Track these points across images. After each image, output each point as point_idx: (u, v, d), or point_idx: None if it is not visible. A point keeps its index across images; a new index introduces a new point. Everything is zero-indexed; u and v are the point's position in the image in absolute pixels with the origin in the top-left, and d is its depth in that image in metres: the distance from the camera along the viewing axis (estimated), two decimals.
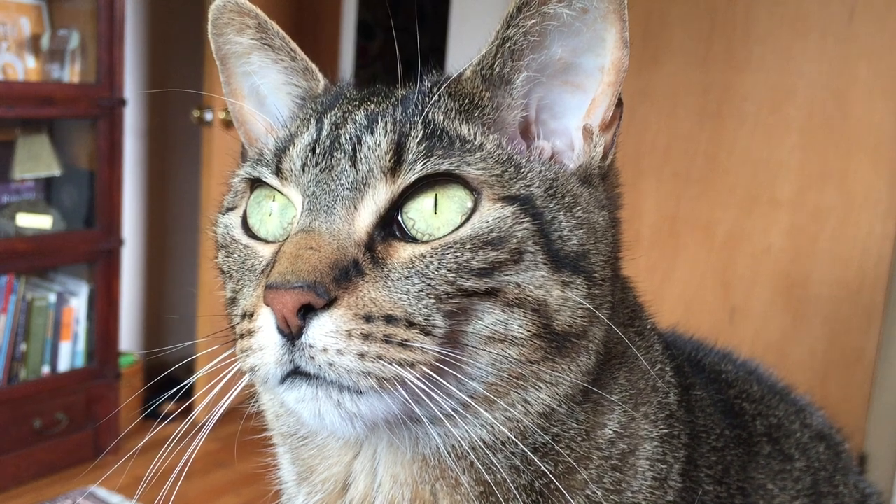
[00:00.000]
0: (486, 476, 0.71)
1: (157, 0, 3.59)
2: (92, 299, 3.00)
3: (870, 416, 2.63)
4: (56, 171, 3.02)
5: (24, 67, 2.91)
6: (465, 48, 3.21)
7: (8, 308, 2.81)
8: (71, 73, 2.93)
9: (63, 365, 2.98)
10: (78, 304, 2.98)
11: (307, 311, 0.62)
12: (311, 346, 0.62)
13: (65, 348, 2.98)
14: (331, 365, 0.62)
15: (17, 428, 2.77)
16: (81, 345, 3.01)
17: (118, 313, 3.07)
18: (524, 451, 0.70)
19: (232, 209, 0.80)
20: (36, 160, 2.98)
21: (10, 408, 2.77)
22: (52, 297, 2.94)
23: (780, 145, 2.71)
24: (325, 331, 0.62)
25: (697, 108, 2.85)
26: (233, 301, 0.74)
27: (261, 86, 0.85)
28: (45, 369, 2.94)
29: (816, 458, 0.94)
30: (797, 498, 0.87)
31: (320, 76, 0.83)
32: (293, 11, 3.52)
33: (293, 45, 0.82)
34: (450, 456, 0.70)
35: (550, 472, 0.71)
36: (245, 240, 0.75)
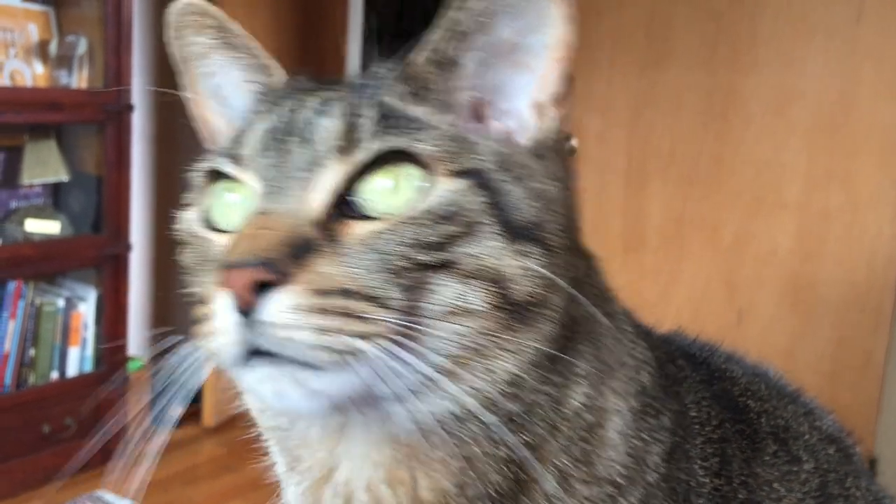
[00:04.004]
0: (461, 450, 0.71)
1: (164, 6, 3.59)
2: (100, 304, 3.01)
3: (879, 419, 2.62)
4: (64, 177, 3.03)
5: (33, 73, 2.92)
6: None
7: (17, 313, 2.82)
8: (79, 79, 2.94)
9: (71, 370, 2.99)
10: (86, 310, 2.99)
11: (263, 289, 0.62)
12: (268, 324, 0.62)
13: (73, 353, 2.99)
14: (289, 340, 0.62)
15: (25, 433, 2.78)
16: (90, 350, 3.02)
17: (126, 318, 3.08)
18: (501, 419, 0.71)
19: (192, 205, 0.80)
20: (44, 166, 2.99)
21: (19, 413, 2.78)
22: (61, 303, 2.95)
23: (786, 147, 2.71)
24: (281, 307, 0.62)
25: (702, 111, 2.84)
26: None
27: (223, 85, 0.85)
28: (54, 374, 2.95)
29: (826, 461, 0.94)
30: (804, 500, 0.87)
31: (278, 71, 0.84)
32: (299, 17, 3.53)
33: (253, 42, 0.83)
34: (420, 433, 0.70)
35: (526, 443, 0.72)
36: (205, 233, 0.76)
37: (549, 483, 0.73)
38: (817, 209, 2.67)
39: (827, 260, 2.68)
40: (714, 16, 2.79)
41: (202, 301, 0.68)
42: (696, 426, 0.83)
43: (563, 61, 0.75)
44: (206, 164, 0.78)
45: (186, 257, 0.77)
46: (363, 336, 0.62)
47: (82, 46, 2.92)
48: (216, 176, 0.76)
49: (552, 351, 0.72)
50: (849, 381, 2.68)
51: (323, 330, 0.62)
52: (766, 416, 0.92)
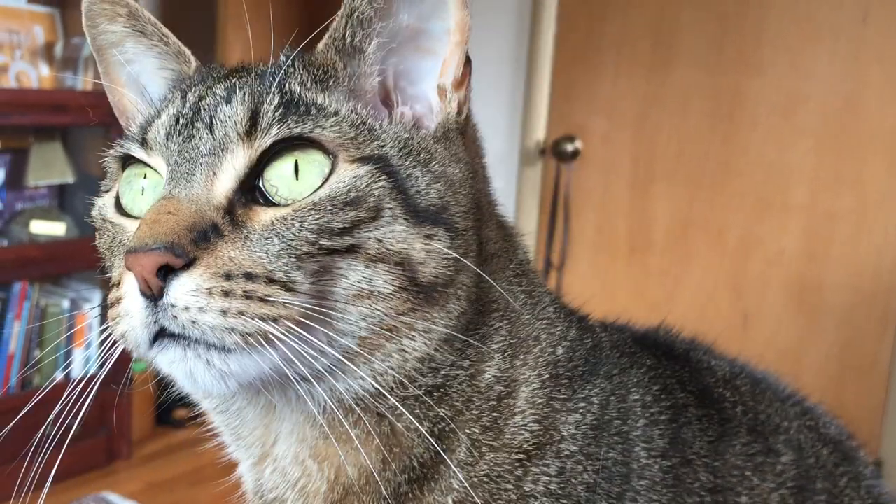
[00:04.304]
0: (383, 426, 0.74)
1: (168, 8, 3.61)
2: (105, 306, 3.00)
3: (885, 421, 2.61)
4: (69, 178, 3.04)
5: (38, 75, 2.93)
6: (473, 44, 3.20)
7: (22, 314, 2.82)
8: (84, 81, 2.94)
9: (76, 371, 2.99)
10: (91, 311, 3.00)
11: (168, 273, 0.63)
12: (173, 306, 0.63)
13: (78, 355, 2.99)
14: (193, 323, 0.63)
15: (31, 434, 2.78)
16: (94, 351, 3.02)
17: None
18: (417, 395, 0.73)
19: (107, 192, 0.82)
20: (49, 167, 3.00)
21: (24, 414, 2.78)
22: (66, 304, 2.96)
23: (792, 149, 2.70)
24: (185, 290, 0.63)
25: (709, 113, 2.84)
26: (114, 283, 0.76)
27: (139, 74, 0.87)
28: (59, 375, 2.95)
29: (814, 458, 0.93)
30: (778, 489, 0.87)
31: (193, 59, 0.85)
32: (299, 3, 3.52)
33: (165, 30, 0.85)
34: (339, 411, 0.72)
35: (446, 415, 0.74)
36: (116, 218, 0.78)
37: (461, 450, 0.75)
38: (824, 211, 2.66)
39: (833, 262, 2.67)
40: (720, 18, 2.78)
41: (113, 285, 0.70)
42: (639, 408, 0.83)
43: (461, 45, 0.76)
44: (118, 150, 0.79)
45: (101, 243, 0.80)
46: (268, 318, 0.64)
47: (88, 48, 2.92)
48: (127, 161, 0.78)
49: (460, 331, 0.74)
50: (854, 383, 2.67)
51: (227, 312, 0.63)
52: (742, 407, 0.92)
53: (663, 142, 2.95)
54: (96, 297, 3.01)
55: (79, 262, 2.97)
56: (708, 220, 2.89)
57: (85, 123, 2.98)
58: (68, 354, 2.97)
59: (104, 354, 0.72)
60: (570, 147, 3.10)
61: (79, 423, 0.77)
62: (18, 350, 2.82)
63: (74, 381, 0.75)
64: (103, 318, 0.73)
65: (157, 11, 3.57)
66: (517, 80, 3.21)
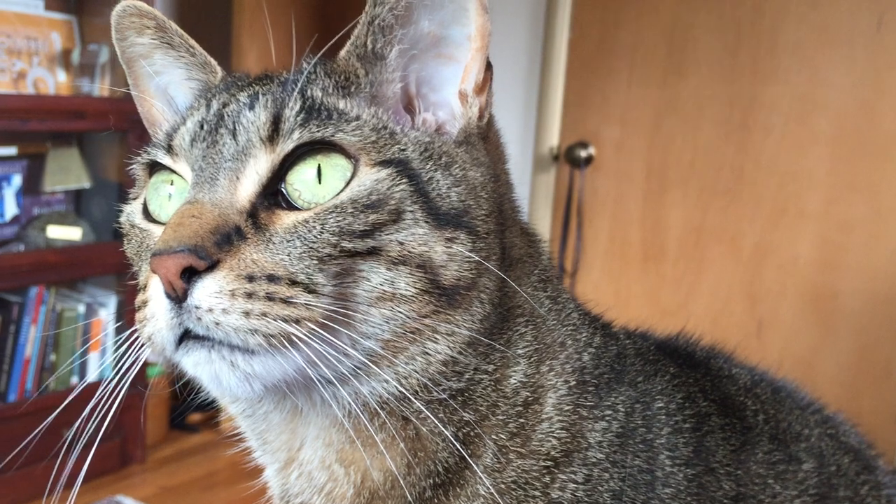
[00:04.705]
0: (408, 430, 0.74)
1: (185, 14, 3.63)
2: (120, 311, 3.03)
3: None
4: (86, 184, 3.06)
5: (55, 82, 2.95)
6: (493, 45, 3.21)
7: (38, 319, 2.84)
8: (101, 88, 2.97)
9: (92, 375, 3.01)
10: (106, 315, 3.01)
11: (192, 275, 0.64)
12: (197, 308, 0.64)
13: (93, 359, 3.01)
14: (217, 324, 0.64)
15: (46, 438, 2.80)
16: (109, 355, 3.04)
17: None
18: (441, 398, 0.73)
19: (135, 199, 0.83)
20: (66, 173, 3.02)
21: (39, 418, 2.79)
22: (82, 308, 2.98)
23: (807, 156, 2.69)
24: (209, 291, 0.64)
25: (723, 120, 2.83)
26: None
27: (167, 85, 0.89)
28: (74, 380, 2.97)
29: (835, 466, 0.93)
30: (800, 497, 0.86)
31: (218, 69, 0.87)
32: (318, 10, 3.54)
33: (192, 41, 0.86)
34: (362, 415, 0.72)
35: (471, 420, 0.74)
36: (144, 224, 0.79)
37: (488, 456, 0.75)
38: (839, 219, 2.65)
39: (849, 270, 2.66)
40: (735, 25, 2.77)
41: (140, 289, 0.71)
42: (663, 416, 0.83)
43: (482, 51, 0.77)
44: (144, 157, 0.81)
45: (129, 248, 0.81)
46: (291, 319, 0.64)
47: (104, 55, 2.95)
48: (154, 168, 0.79)
49: (484, 335, 0.74)
50: (870, 391, 2.65)
51: (250, 314, 0.64)
52: (763, 415, 0.92)
53: (677, 148, 2.94)
54: (112, 302, 3.03)
55: (94, 267, 2.99)
56: (722, 227, 2.88)
57: (101, 129, 3.00)
58: (83, 358, 2.99)
59: (131, 357, 0.73)
60: (583, 153, 3.10)
61: (106, 426, 0.79)
62: (34, 354, 2.84)
63: (105, 382, 0.76)
64: (128, 322, 0.74)
65: (172, 20, 3.59)
66: (531, 86, 3.21)
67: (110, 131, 3.01)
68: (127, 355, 0.73)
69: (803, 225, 2.71)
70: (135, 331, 0.71)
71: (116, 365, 0.75)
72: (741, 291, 2.86)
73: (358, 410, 0.72)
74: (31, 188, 2.98)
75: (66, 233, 2.98)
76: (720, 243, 2.89)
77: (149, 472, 3.03)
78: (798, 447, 0.92)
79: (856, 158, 2.61)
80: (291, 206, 0.70)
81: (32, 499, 2.71)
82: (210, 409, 3.29)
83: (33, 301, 2.82)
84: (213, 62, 0.87)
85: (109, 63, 2.96)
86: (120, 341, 0.75)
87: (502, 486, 0.75)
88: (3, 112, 2.66)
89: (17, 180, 2.91)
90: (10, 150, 2.88)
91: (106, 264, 2.99)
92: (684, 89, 2.89)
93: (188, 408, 3.28)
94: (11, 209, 2.91)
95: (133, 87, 0.90)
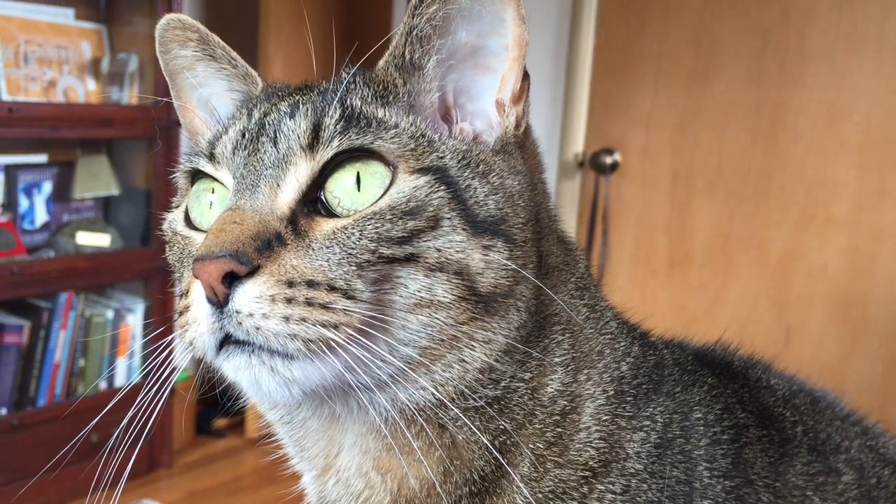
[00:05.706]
0: (444, 437, 0.74)
1: (212, 23, 3.67)
2: (148, 316, 3.06)
3: None
4: (114, 191, 3.10)
5: (85, 90, 2.99)
6: None
7: (67, 324, 2.88)
8: (130, 95, 3.00)
9: (119, 380, 3.04)
10: (134, 321, 3.05)
11: (233, 280, 0.65)
12: (237, 312, 0.65)
13: (121, 364, 3.04)
14: (258, 329, 0.65)
15: (71, 441, 2.82)
16: (137, 360, 3.07)
17: (172, 330, 3.11)
18: (478, 406, 0.73)
19: (177, 207, 0.85)
20: (95, 180, 3.06)
21: (68, 422, 2.83)
22: (110, 314, 3.01)
23: (836, 163, 2.66)
24: (249, 296, 0.65)
25: (750, 126, 2.81)
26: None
27: (210, 96, 0.90)
28: (102, 384, 3.01)
29: (875, 478, 0.92)
30: None
31: (259, 80, 0.88)
32: (343, 19, 3.56)
33: (233, 53, 0.88)
34: (399, 421, 0.73)
35: (508, 428, 0.74)
36: (185, 231, 0.81)
37: (525, 465, 0.75)
38: (868, 226, 2.62)
39: (878, 277, 2.63)
40: (762, 30, 2.75)
41: (181, 294, 0.72)
42: (701, 427, 0.83)
43: (519, 60, 0.77)
44: (186, 166, 0.82)
45: (171, 255, 0.83)
46: (329, 325, 0.65)
47: (133, 63, 2.99)
48: (196, 176, 0.80)
49: (521, 342, 0.74)
50: None
51: (290, 319, 0.64)
52: (802, 427, 0.91)
53: (703, 154, 2.92)
54: (139, 307, 3.06)
55: (123, 273, 3.02)
56: (749, 233, 2.85)
57: (130, 137, 3.04)
58: (111, 363, 3.02)
59: (169, 363, 0.74)
60: (608, 160, 3.09)
61: (147, 432, 0.80)
62: (64, 360, 2.88)
63: (145, 388, 0.78)
64: (145, 328, 0.76)
65: None
66: (556, 92, 3.21)
67: (138, 139, 3.04)
68: (165, 361, 0.74)
69: (832, 232, 2.69)
70: (173, 338, 0.73)
71: (146, 370, 0.76)
72: (769, 298, 2.84)
73: (395, 417, 0.72)
74: (61, 195, 3.02)
75: (95, 239, 3.02)
76: (747, 249, 2.86)
77: (175, 477, 3.05)
78: (837, 459, 0.91)
79: (885, 165, 2.58)
80: (330, 213, 0.71)
81: (63, 502, 2.74)
82: (236, 415, 3.31)
83: (63, 307, 2.86)
84: (254, 73, 0.88)
85: (138, 71, 2.99)
86: (153, 347, 0.76)
87: (539, 495, 0.75)
88: (34, 120, 2.70)
89: (47, 187, 2.95)
90: (41, 158, 2.93)
91: (134, 270, 3.03)
92: (710, 94, 2.88)
93: (215, 413, 3.30)
94: (42, 216, 2.95)
95: (175, 98, 0.92)
